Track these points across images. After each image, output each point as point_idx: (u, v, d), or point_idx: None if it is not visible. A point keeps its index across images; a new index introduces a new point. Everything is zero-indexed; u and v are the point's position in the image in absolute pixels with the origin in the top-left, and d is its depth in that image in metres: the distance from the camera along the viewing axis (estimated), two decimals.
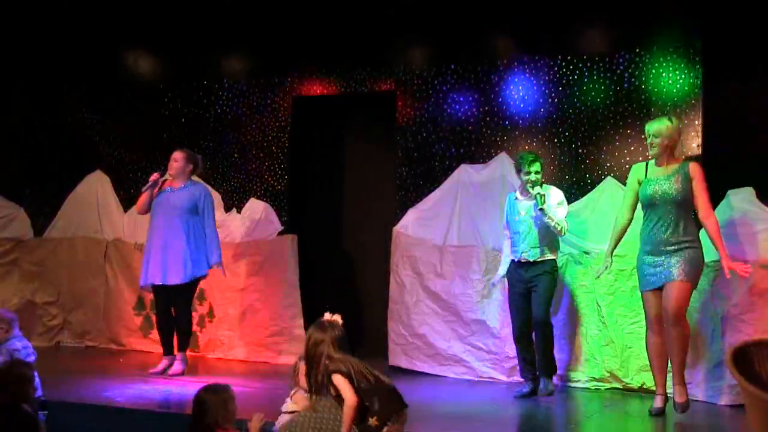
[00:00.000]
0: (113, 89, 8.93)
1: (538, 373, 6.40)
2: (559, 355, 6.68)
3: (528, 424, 5.80)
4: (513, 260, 6.47)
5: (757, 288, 6.02)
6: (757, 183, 6.20)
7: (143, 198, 7.03)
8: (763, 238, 6.08)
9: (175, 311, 6.93)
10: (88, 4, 8.61)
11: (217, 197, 8.36)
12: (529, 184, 6.32)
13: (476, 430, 5.44)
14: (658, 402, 5.77)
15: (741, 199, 6.24)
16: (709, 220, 5.65)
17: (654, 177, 5.78)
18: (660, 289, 5.69)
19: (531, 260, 6.36)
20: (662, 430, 5.63)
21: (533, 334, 6.43)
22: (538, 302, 6.35)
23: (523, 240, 6.38)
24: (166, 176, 7.00)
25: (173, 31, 8.53)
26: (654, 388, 5.90)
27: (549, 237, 6.38)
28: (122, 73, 8.90)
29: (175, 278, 6.76)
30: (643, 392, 6.41)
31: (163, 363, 6.86)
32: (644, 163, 5.94)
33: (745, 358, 4.14)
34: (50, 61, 8.97)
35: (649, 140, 5.79)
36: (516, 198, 6.50)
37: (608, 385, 6.66)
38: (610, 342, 6.62)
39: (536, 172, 6.31)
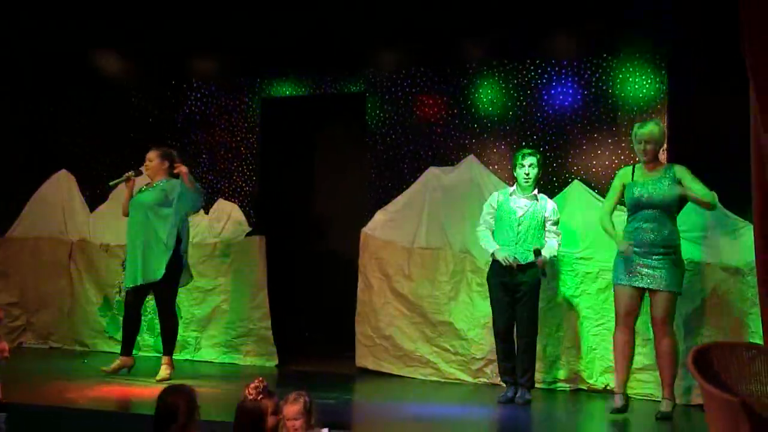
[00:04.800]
0: (81, 88, 8.84)
1: (519, 383, 6.23)
2: None
3: (493, 426, 5.83)
4: (498, 261, 6.20)
5: (718, 291, 6.11)
6: (720, 187, 6.27)
7: (124, 199, 6.98)
8: (724, 242, 6.17)
9: (158, 314, 6.89)
10: (57, 3, 8.54)
11: None
12: (524, 181, 6.20)
13: None
14: (618, 401, 5.83)
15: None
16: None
17: (641, 180, 5.85)
18: (636, 288, 5.76)
19: (521, 263, 6.16)
20: (624, 429, 5.69)
21: (518, 344, 6.26)
22: (528, 315, 6.17)
23: (518, 242, 6.16)
24: (132, 174, 6.93)
25: (142, 30, 8.48)
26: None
27: (540, 238, 6.24)
28: (90, 72, 8.81)
29: (144, 277, 6.69)
30: (607, 393, 6.47)
31: (116, 363, 6.79)
32: (630, 167, 5.99)
33: (705, 360, 4.19)
34: (17, 60, 8.88)
35: (641, 145, 5.83)
36: (512, 194, 6.28)
37: (573, 387, 6.71)
38: (575, 343, 6.68)
39: (530, 165, 6.19)
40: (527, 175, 6.20)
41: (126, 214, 6.97)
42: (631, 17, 6.89)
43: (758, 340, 5.47)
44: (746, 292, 5.97)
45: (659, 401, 5.87)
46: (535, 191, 6.31)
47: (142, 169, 6.99)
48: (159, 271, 6.67)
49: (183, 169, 6.67)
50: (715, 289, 6.11)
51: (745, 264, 5.97)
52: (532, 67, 7.25)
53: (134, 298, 6.85)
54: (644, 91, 6.86)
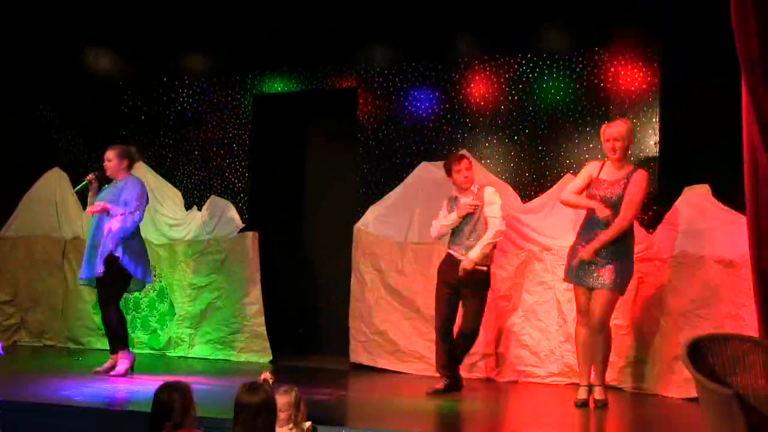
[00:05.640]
0: (73, 86, 8.83)
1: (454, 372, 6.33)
2: (519, 350, 6.76)
3: (487, 420, 5.84)
4: (450, 254, 6.30)
5: (712, 284, 6.13)
6: (712, 180, 6.30)
7: (90, 197, 6.90)
8: (718, 235, 6.18)
9: (101, 308, 6.75)
10: (48, 2, 8.50)
11: (177, 195, 8.33)
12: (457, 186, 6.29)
13: (437, 427, 5.46)
14: (582, 394, 5.86)
15: (697, 196, 6.34)
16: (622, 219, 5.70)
17: (604, 179, 5.85)
18: (588, 288, 5.78)
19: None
20: (619, 423, 5.70)
21: (461, 341, 6.30)
22: (471, 317, 6.20)
23: (465, 239, 6.21)
24: (92, 177, 6.82)
25: (134, 28, 8.46)
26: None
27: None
28: (82, 69, 8.80)
29: (86, 274, 6.65)
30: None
31: (109, 362, 6.75)
32: (599, 163, 6.00)
33: (699, 353, 4.19)
34: (9, 58, 8.84)
35: (610, 143, 5.82)
36: (455, 197, 6.37)
37: (567, 380, 6.72)
38: (569, 338, 6.68)
39: (466, 169, 6.25)
40: (466, 178, 6.27)
41: (90, 213, 6.87)
42: (623, 10, 6.89)
43: (752, 333, 5.48)
44: (740, 284, 5.99)
45: (652, 395, 5.89)
46: (474, 190, 6.30)
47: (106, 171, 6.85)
48: (98, 269, 6.55)
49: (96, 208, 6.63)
50: (709, 282, 6.12)
51: (738, 256, 5.98)
52: (523, 62, 7.25)
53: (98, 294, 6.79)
54: (636, 84, 6.86)
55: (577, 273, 5.84)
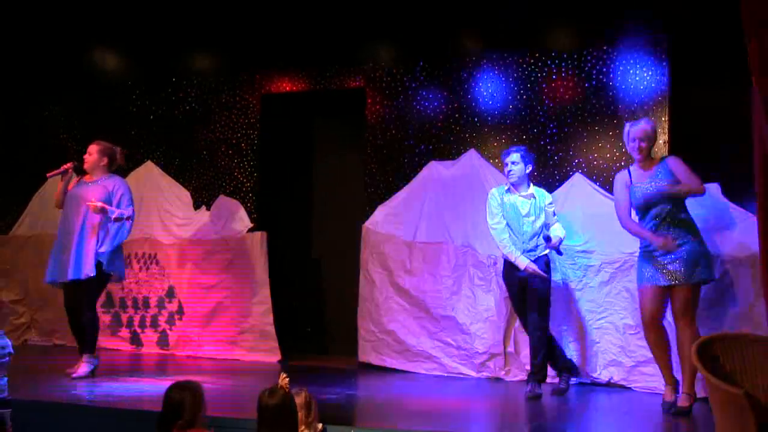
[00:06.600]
0: (81, 86, 8.85)
1: (528, 377, 6.25)
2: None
3: (495, 419, 5.84)
4: (509, 261, 6.23)
5: (723, 283, 6.11)
6: (722, 179, 6.28)
7: (58, 190, 6.78)
8: (728, 234, 6.17)
9: (78, 309, 6.59)
10: (56, 1, 8.53)
11: (186, 194, 8.35)
12: (514, 181, 6.23)
13: (445, 426, 5.45)
14: (667, 395, 5.75)
15: (707, 196, 6.30)
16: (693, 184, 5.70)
17: (639, 180, 5.81)
18: (660, 287, 5.71)
19: (531, 260, 6.15)
20: (628, 423, 5.69)
21: (529, 336, 6.27)
22: (536, 305, 6.13)
23: (529, 239, 6.18)
24: (70, 166, 6.74)
25: (142, 27, 8.48)
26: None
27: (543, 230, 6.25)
28: (90, 70, 8.83)
29: (73, 274, 6.45)
30: (611, 386, 6.49)
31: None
32: (625, 171, 5.96)
33: (710, 352, 4.19)
34: (17, 59, 8.87)
35: (635, 143, 5.81)
36: (508, 191, 6.28)
37: (576, 380, 6.71)
38: (577, 338, 6.68)
39: (513, 163, 6.23)
40: (510, 172, 6.24)
41: (60, 206, 6.76)
42: (632, 9, 6.87)
43: (763, 332, 5.47)
44: (751, 283, 5.96)
45: (662, 394, 5.86)
46: (531, 188, 6.30)
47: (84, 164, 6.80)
48: (91, 269, 6.45)
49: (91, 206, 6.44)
50: (719, 281, 6.10)
51: (748, 255, 5.96)
52: (532, 60, 7.24)
53: (70, 295, 6.63)
54: (645, 83, 6.84)
55: (646, 274, 5.73)
